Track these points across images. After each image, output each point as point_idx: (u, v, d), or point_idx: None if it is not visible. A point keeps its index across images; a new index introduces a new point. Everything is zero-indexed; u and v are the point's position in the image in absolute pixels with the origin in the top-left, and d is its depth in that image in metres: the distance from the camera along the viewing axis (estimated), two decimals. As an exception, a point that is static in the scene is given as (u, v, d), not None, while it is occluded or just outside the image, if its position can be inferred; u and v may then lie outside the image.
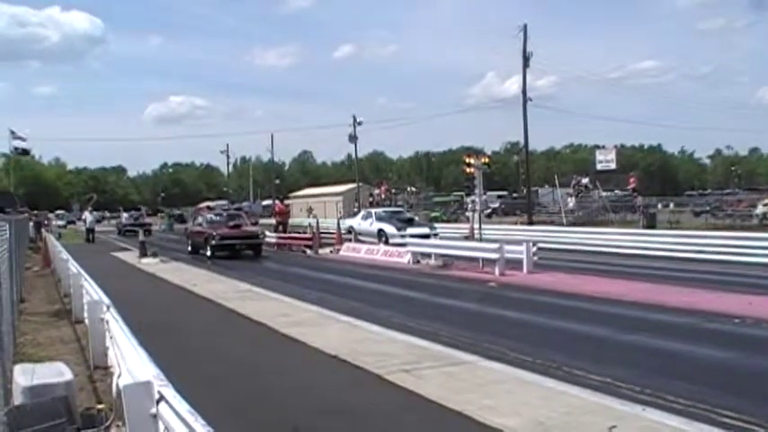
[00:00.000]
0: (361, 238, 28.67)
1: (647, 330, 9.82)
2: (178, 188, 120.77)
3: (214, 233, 25.20)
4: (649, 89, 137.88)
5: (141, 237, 27.61)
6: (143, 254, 24.62)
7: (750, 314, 10.28)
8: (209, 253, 24.89)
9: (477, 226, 25.75)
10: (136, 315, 8.40)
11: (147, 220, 52.97)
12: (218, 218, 28.82)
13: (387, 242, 26.23)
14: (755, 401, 6.18)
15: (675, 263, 18.45)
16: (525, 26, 37.81)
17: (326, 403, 6.41)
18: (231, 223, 27.04)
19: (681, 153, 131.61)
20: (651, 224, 31.12)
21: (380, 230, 27.93)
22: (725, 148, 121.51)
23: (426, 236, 25.24)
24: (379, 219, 29.09)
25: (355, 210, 53.61)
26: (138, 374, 4.38)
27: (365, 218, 30.49)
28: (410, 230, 25.42)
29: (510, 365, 7.56)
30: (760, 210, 35.33)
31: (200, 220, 29.57)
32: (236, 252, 24.91)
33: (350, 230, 30.28)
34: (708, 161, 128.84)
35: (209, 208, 60.13)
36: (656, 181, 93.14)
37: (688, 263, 18.26)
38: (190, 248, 27.54)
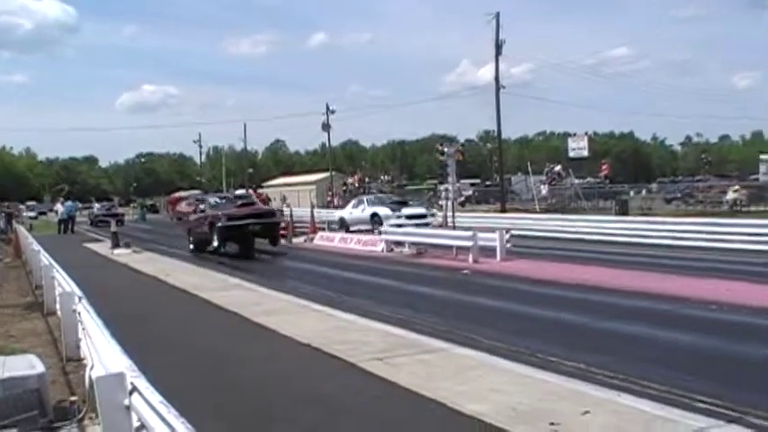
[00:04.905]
0: (353, 228, 27.69)
1: (620, 317, 9.95)
2: (151, 178, 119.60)
3: (220, 214, 21.23)
4: (622, 76, 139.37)
5: (113, 227, 27.08)
6: (115, 245, 24.34)
7: (724, 300, 10.37)
8: (215, 242, 20.80)
9: (450, 214, 25.85)
10: (108, 306, 8.36)
11: (120, 210, 52.69)
12: (223, 201, 25.20)
13: (381, 225, 24.40)
14: (729, 386, 6.27)
15: (648, 249, 18.70)
16: (498, 14, 38.19)
17: (300, 392, 6.41)
18: (240, 202, 23.70)
19: (653, 140, 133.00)
20: (623, 211, 31.40)
21: (374, 214, 26.88)
22: (695, 135, 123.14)
23: (423, 215, 24.92)
24: (371, 203, 28.53)
25: (328, 199, 53.70)
26: (111, 366, 4.36)
27: (356, 206, 29.77)
28: (405, 211, 25.11)
29: (484, 352, 7.60)
30: (730, 196, 35.86)
31: (201, 206, 25.35)
32: (246, 237, 21.20)
33: (342, 222, 29.35)
34: (679, 148, 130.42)
35: (181, 198, 60.17)
36: (629, 168, 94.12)
37: (660, 249, 18.52)
38: (192, 246, 23.22)
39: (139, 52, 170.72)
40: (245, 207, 22.39)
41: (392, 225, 22.65)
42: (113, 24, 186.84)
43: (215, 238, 20.65)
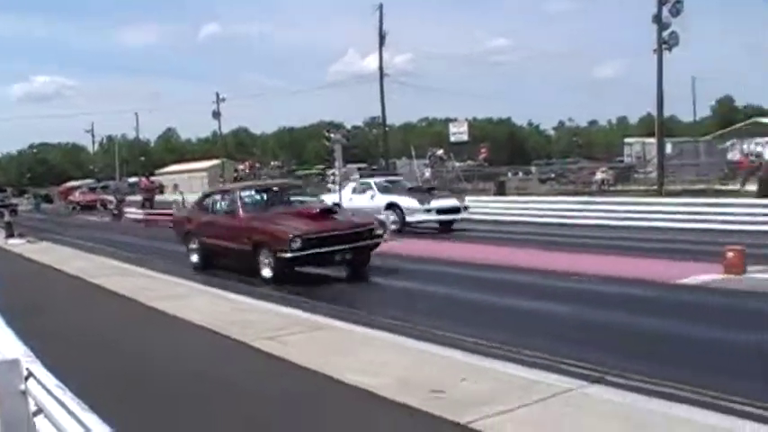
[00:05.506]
0: None
1: (499, 290, 10.57)
2: (44, 167, 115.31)
3: (290, 235, 11.60)
4: (501, 66, 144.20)
5: (7, 217, 26.30)
6: (9, 235, 23.55)
7: (587, 271, 11.10)
8: (266, 272, 12.00)
9: (338, 198, 26.07)
10: (2, 295, 8.23)
11: (14, 200, 51.43)
12: (262, 196, 14.39)
13: (403, 222, 19.49)
14: (595, 350, 6.85)
15: (523, 226, 19.79)
16: (381, 6, 39.40)
17: (192, 371, 6.53)
18: (314, 209, 13.15)
19: (528, 125, 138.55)
20: (501, 191, 32.86)
21: (392, 205, 19.91)
22: (567, 120, 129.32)
23: (456, 209, 20.00)
24: (384, 190, 21.12)
25: (220, 185, 52.96)
26: (6, 353, 4.38)
27: (359, 191, 21.90)
28: (435, 203, 19.68)
29: (371, 328, 7.90)
30: (598, 176, 38.42)
31: (222, 204, 14.28)
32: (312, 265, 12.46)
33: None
34: (552, 132, 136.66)
35: (74, 188, 59.10)
36: (506, 151, 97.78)
37: (535, 226, 19.67)
38: (197, 258, 14.57)
39: (32, 43, 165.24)
40: (324, 219, 12.61)
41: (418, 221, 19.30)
42: (4, 15, 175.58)
43: (268, 264, 12.03)
